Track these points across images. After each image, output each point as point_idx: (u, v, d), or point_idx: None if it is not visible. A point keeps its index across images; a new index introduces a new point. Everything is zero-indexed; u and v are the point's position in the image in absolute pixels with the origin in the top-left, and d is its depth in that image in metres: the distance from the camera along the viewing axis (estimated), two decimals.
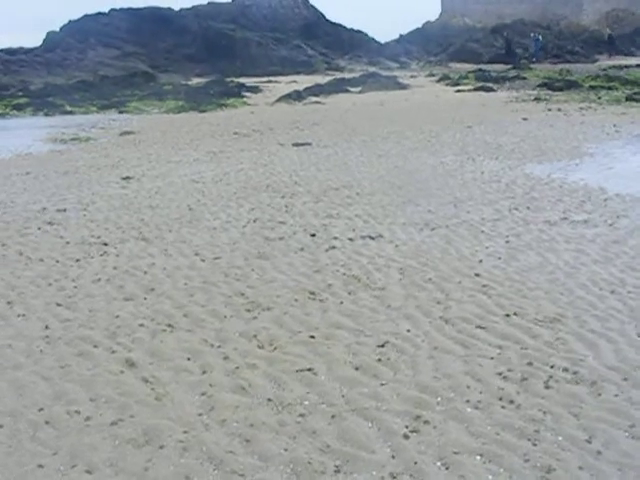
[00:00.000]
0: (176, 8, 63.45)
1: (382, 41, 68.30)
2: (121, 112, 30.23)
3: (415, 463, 4.90)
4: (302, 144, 19.43)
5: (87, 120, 27.36)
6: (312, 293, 8.21)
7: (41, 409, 5.76)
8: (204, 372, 6.35)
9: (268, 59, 55.68)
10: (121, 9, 61.34)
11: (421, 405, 5.66)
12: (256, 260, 9.54)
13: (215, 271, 9.13)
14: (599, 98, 29.35)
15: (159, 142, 20.86)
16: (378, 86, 37.69)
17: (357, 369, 6.33)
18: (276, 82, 43.95)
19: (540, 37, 58.08)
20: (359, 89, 37.16)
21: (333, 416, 5.53)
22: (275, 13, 66.81)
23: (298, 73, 50.81)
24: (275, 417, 5.54)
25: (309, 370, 6.30)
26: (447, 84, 39.70)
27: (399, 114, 26.28)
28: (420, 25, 73.88)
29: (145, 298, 8.22)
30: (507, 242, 10.05)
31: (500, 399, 5.72)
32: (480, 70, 44.05)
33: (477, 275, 8.69)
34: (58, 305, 8.05)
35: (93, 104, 31.98)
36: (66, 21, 59.50)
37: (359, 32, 67.76)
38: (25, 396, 5.98)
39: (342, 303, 7.89)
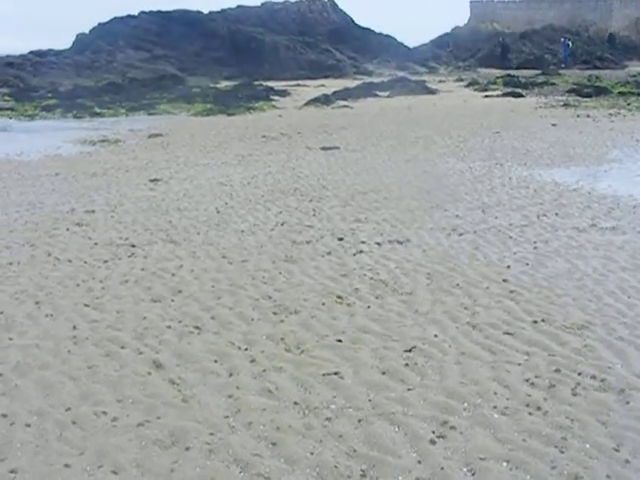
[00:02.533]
0: (205, 11, 63.93)
1: (411, 46, 68.37)
2: (150, 114, 30.29)
3: (441, 469, 4.89)
4: (330, 148, 19.43)
5: (116, 122, 27.46)
6: (339, 297, 8.21)
7: (68, 409, 5.78)
8: (231, 375, 6.36)
9: (297, 63, 55.73)
10: (150, 12, 61.73)
11: (448, 410, 5.65)
12: (283, 263, 9.54)
13: (242, 274, 9.14)
14: (628, 105, 29.22)
15: (187, 145, 20.88)
16: (406, 91, 37.67)
17: (384, 373, 6.32)
18: (304, 86, 43.99)
19: (570, 42, 57.87)
20: (387, 93, 37.11)
21: (360, 420, 5.52)
22: (304, 17, 67.08)
23: (327, 77, 50.85)
24: (301, 420, 5.55)
25: (336, 374, 6.30)
26: (475, 89, 39.63)
27: (427, 119, 26.24)
28: (449, 30, 74.02)
29: (172, 300, 8.24)
30: (535, 248, 10.01)
31: (527, 406, 5.69)
32: (509, 75, 43.98)
33: (505, 281, 8.66)
34: (86, 306, 8.08)
35: (122, 106, 32.06)
36: (95, 23, 60.04)
37: (388, 36, 67.88)
38: (52, 396, 6.01)
39: (369, 307, 7.89)
